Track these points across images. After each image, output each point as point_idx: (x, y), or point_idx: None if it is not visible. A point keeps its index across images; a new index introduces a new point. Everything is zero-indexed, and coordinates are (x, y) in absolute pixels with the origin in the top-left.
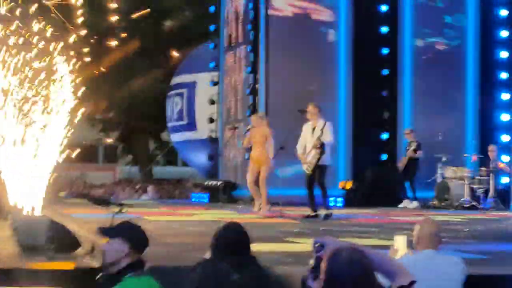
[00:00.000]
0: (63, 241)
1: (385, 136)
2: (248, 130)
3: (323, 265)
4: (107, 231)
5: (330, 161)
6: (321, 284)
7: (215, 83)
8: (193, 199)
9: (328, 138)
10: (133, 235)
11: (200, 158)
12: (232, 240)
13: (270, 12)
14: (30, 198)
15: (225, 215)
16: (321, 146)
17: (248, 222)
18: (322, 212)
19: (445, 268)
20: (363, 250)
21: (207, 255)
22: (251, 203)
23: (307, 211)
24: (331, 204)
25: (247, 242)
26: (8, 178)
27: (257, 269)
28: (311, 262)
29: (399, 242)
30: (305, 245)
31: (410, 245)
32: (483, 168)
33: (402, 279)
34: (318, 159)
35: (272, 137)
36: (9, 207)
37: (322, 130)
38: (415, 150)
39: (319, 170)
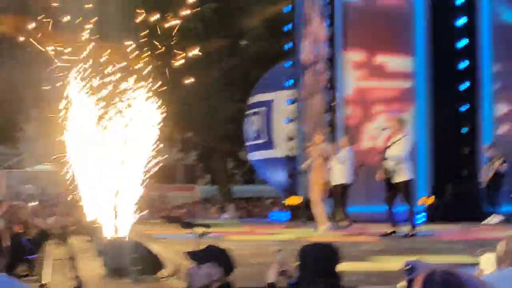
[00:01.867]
0: (148, 262)
1: (465, 150)
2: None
3: None
4: (197, 256)
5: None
6: None
7: (293, 101)
8: (272, 218)
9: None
10: (223, 259)
11: (279, 176)
12: (325, 260)
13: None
14: (114, 219)
15: (306, 233)
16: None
17: (329, 241)
18: (403, 229)
19: None
20: (457, 273)
21: (269, 278)
22: (331, 221)
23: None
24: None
25: (337, 262)
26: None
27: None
28: (401, 284)
29: (485, 261)
30: (388, 263)
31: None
32: None
33: None
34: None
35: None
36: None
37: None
38: (502, 163)
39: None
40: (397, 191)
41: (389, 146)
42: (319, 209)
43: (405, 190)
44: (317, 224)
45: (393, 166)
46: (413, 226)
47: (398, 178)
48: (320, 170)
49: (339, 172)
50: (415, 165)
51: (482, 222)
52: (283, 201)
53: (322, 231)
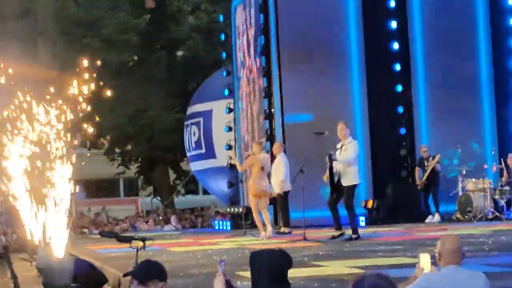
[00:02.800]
0: (90, 278)
1: (403, 152)
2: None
3: None
4: (140, 274)
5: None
6: None
7: (230, 110)
8: (215, 227)
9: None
10: (163, 272)
11: (221, 185)
12: (280, 267)
13: (281, 36)
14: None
15: (248, 241)
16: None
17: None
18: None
19: (469, 283)
20: (386, 278)
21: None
22: (273, 228)
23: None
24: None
25: (289, 267)
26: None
27: None
28: None
29: (424, 260)
30: (331, 268)
31: (434, 262)
32: (503, 178)
33: None
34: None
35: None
36: (32, 246)
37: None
38: (433, 166)
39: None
40: (341, 195)
41: (337, 150)
42: (257, 216)
43: (350, 194)
44: (259, 232)
45: (341, 170)
46: (356, 230)
47: (345, 182)
48: (256, 179)
49: (279, 179)
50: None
51: (425, 221)
52: (226, 210)
53: (262, 238)
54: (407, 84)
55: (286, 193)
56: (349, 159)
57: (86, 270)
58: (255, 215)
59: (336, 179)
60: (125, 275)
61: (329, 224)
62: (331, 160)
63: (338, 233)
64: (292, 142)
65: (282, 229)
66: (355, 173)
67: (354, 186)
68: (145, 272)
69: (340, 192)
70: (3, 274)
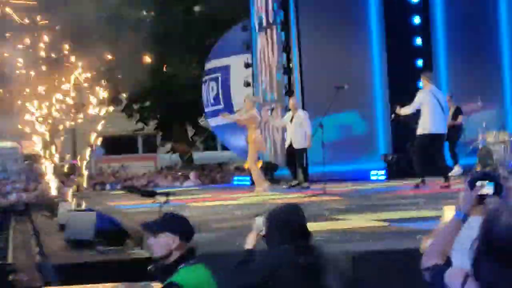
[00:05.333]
0: (112, 234)
1: None
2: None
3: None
4: (152, 226)
5: None
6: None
7: (248, 65)
8: (235, 183)
9: None
10: (178, 226)
11: (240, 141)
12: (297, 223)
13: None
14: (76, 192)
15: (269, 196)
16: None
17: (292, 202)
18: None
19: None
20: None
21: (249, 244)
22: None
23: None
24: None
25: (305, 223)
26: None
27: (319, 249)
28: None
29: (448, 213)
30: (352, 221)
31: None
32: None
33: None
34: None
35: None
36: (53, 202)
37: None
38: (456, 116)
39: None
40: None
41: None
42: (255, 171)
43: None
44: (256, 186)
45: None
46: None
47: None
48: (258, 134)
49: (297, 135)
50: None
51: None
52: (245, 166)
53: (258, 192)
54: (427, 58)
55: (306, 149)
56: None
57: (108, 225)
58: (257, 170)
59: None
60: (142, 226)
61: (349, 178)
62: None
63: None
64: (310, 97)
65: (303, 184)
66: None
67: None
68: (158, 224)
69: None
70: (25, 230)
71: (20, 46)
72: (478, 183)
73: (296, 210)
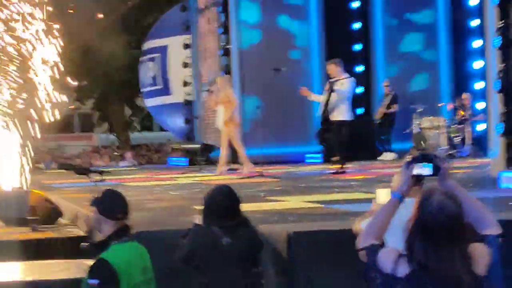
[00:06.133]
0: (46, 211)
1: (360, 89)
2: (211, 91)
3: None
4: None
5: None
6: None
7: (187, 46)
8: (171, 163)
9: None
10: (111, 203)
11: (177, 122)
12: (223, 204)
13: None
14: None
15: (204, 177)
16: None
17: (228, 184)
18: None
19: None
20: (456, 196)
21: (196, 219)
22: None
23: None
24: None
25: (237, 204)
26: None
27: (249, 230)
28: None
29: (382, 195)
30: (287, 202)
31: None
32: (457, 116)
33: (492, 229)
34: None
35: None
36: None
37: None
38: (389, 105)
39: None
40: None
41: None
42: (241, 150)
43: (340, 129)
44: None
45: (334, 105)
46: (342, 164)
47: (336, 117)
48: (230, 115)
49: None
50: None
51: (378, 158)
52: (182, 146)
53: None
54: (365, 22)
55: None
56: (344, 92)
57: (42, 202)
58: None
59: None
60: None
61: (287, 161)
62: (331, 89)
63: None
64: (249, 78)
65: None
66: (347, 110)
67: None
68: (93, 200)
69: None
70: None
71: None
72: (415, 164)
73: (224, 191)
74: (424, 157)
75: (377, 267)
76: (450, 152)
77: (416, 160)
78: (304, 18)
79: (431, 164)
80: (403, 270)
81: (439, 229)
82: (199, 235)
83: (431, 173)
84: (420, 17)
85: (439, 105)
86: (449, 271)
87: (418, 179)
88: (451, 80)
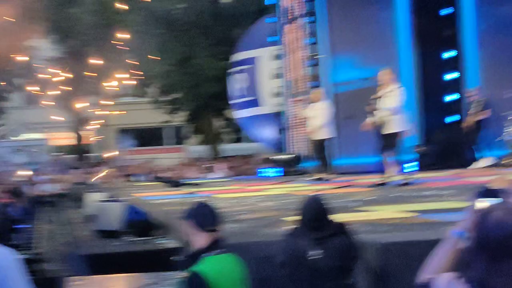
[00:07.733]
0: (139, 224)
1: (451, 97)
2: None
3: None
4: (182, 216)
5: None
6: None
7: (276, 57)
8: (261, 174)
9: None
10: (204, 216)
11: (267, 132)
12: (312, 215)
13: None
14: (102, 184)
15: (296, 188)
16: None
17: (320, 194)
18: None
19: None
20: None
21: (287, 230)
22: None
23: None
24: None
25: (327, 215)
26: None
27: (344, 240)
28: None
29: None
30: (379, 212)
31: None
32: None
33: None
34: None
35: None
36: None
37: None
38: (481, 111)
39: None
40: (385, 142)
41: (379, 97)
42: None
43: (393, 141)
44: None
45: (385, 117)
46: (404, 175)
47: (388, 130)
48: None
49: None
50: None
51: (470, 166)
52: (275, 157)
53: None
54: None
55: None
56: (395, 107)
57: (136, 215)
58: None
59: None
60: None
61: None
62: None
63: (382, 180)
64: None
65: (322, 176)
66: (399, 121)
67: (398, 133)
68: (186, 213)
69: (385, 139)
70: (52, 221)
71: None
72: (480, 201)
73: (314, 202)
74: (488, 192)
75: None
76: None
77: (480, 195)
78: (392, 26)
79: (496, 200)
80: None
81: (498, 245)
82: (287, 248)
83: None
84: None
85: None
86: (509, 286)
87: None
88: None
